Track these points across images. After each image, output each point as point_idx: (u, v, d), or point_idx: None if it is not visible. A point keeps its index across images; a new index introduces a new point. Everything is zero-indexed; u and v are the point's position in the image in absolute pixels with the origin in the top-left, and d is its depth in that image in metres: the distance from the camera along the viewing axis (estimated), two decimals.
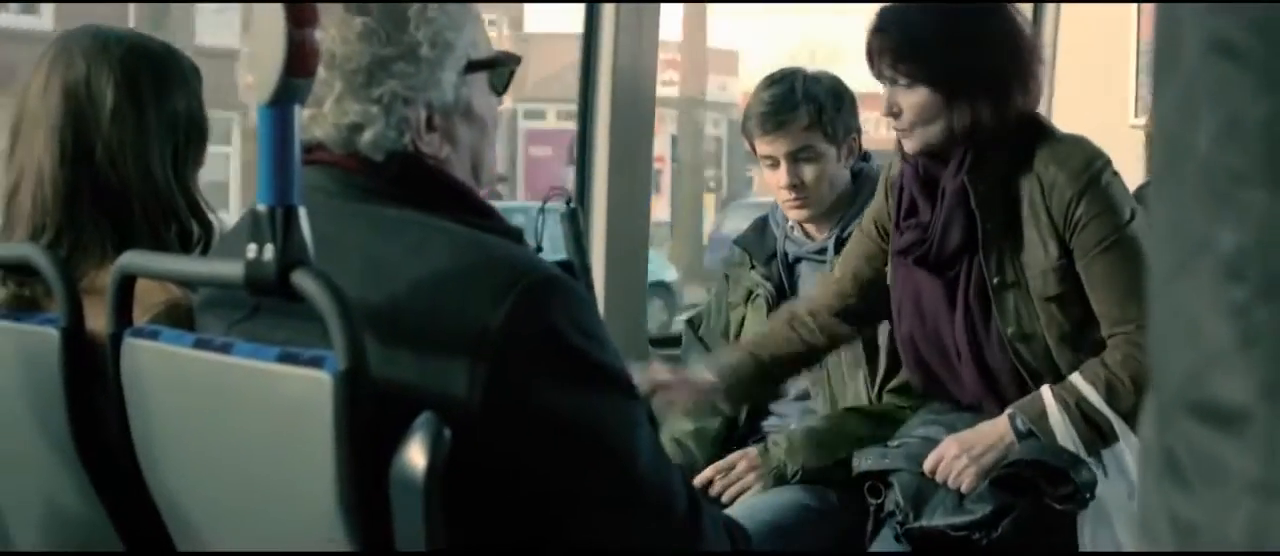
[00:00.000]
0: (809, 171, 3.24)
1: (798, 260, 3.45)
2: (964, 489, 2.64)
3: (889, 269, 2.95)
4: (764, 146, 3.29)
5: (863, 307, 3.05)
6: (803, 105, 3.26)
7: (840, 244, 3.22)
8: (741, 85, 29.10)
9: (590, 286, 2.51)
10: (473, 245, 1.65)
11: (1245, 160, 0.60)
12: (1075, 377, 2.64)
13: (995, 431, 2.67)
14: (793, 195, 3.26)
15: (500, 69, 1.87)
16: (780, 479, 3.09)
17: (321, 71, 1.68)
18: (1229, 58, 0.61)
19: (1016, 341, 2.72)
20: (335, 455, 1.44)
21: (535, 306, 1.58)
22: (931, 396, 2.95)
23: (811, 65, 3.50)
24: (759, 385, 3.17)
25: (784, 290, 3.45)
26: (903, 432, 2.90)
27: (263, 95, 1.45)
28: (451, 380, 1.53)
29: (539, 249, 2.40)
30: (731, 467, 3.13)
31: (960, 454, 2.66)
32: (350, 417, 1.44)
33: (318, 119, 1.72)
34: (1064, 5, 5.08)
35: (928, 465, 2.68)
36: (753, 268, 3.50)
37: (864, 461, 2.83)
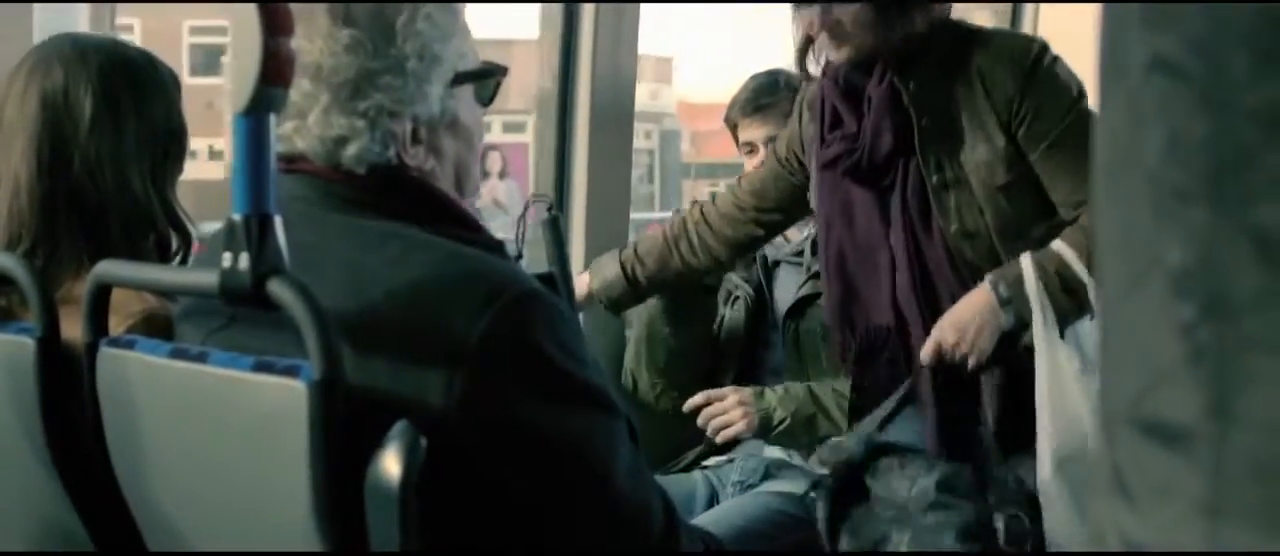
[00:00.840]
0: None
1: (776, 263, 3.48)
2: (969, 368, 2.64)
3: (813, 187, 2.95)
4: (746, 131, 3.40)
5: (756, 230, 3.16)
6: (784, 91, 3.37)
7: (816, 245, 3.23)
8: (675, 94, 28.60)
9: (572, 296, 2.50)
10: (453, 258, 1.64)
11: (1188, 178, 0.60)
12: (1056, 244, 2.62)
13: (981, 303, 2.64)
14: None
15: (486, 80, 1.87)
16: (766, 423, 3.13)
17: (307, 84, 1.68)
18: (1170, 75, 0.61)
19: (959, 239, 2.70)
20: (310, 464, 1.44)
21: (514, 321, 1.57)
22: (842, 317, 2.91)
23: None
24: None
25: (763, 291, 3.50)
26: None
27: (238, 103, 1.44)
28: (428, 392, 1.53)
29: (519, 256, 2.39)
30: (723, 399, 3.18)
31: (958, 340, 2.64)
32: (325, 426, 1.43)
33: (301, 131, 1.71)
34: (1043, 6, 5.09)
35: (925, 356, 2.66)
36: (732, 270, 3.55)
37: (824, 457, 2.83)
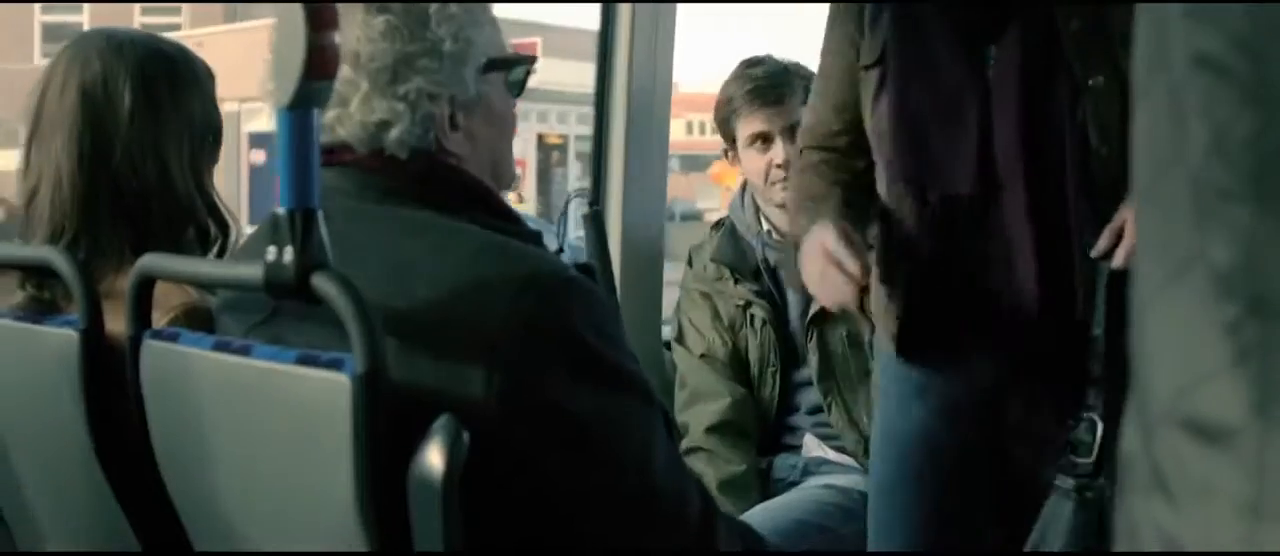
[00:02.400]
0: None
1: (778, 267, 3.34)
2: None
3: (870, 49, 2.49)
4: (758, 123, 3.23)
5: (856, 162, 2.60)
6: (795, 79, 3.23)
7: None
8: None
9: (613, 290, 2.49)
10: (491, 247, 1.65)
11: (1232, 176, 0.60)
12: None
13: None
14: (785, 173, 3.13)
15: (517, 69, 1.88)
16: None
17: (347, 71, 1.70)
18: (1213, 72, 0.60)
19: (1097, 95, 2.30)
20: (354, 457, 1.45)
21: (553, 308, 1.59)
22: (912, 187, 2.42)
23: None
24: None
25: (778, 303, 3.33)
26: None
27: (282, 98, 1.45)
28: (469, 382, 1.54)
29: (560, 251, 2.39)
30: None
31: None
32: (369, 420, 1.44)
33: (343, 119, 1.74)
34: None
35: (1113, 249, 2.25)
36: (737, 282, 3.35)
37: None
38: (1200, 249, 0.61)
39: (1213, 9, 0.61)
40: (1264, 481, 0.59)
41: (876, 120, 2.48)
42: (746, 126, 3.27)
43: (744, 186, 3.42)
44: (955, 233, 2.40)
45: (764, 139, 3.25)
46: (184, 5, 28.65)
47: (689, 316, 3.42)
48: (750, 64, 3.31)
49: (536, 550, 1.63)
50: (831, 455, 3.26)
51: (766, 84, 3.25)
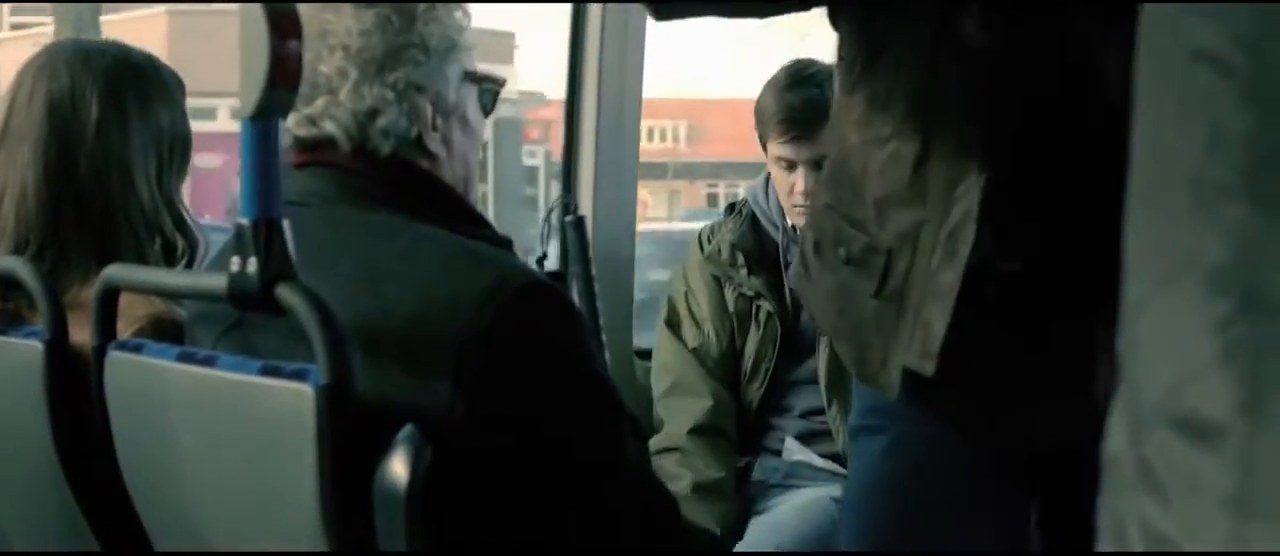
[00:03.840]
0: None
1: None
2: None
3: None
4: (784, 149, 3.13)
5: None
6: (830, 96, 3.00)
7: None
8: (518, 77, 25.36)
9: (593, 297, 2.49)
10: (461, 252, 1.66)
11: (1229, 173, 0.60)
12: None
13: None
14: (804, 202, 3.04)
15: (488, 86, 1.91)
16: None
17: (339, 61, 1.74)
18: (1213, 68, 0.60)
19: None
20: (318, 467, 1.44)
21: (521, 314, 1.59)
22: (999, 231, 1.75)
23: None
24: None
25: (789, 308, 3.19)
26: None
27: (246, 108, 1.45)
28: (436, 387, 1.54)
29: (543, 257, 2.39)
30: None
31: None
32: (333, 431, 1.44)
33: (332, 108, 1.75)
34: None
35: None
36: (751, 272, 3.21)
37: None
38: (1196, 245, 0.61)
39: (1216, 5, 0.61)
40: (1251, 478, 0.59)
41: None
42: (774, 146, 3.16)
43: (768, 177, 3.28)
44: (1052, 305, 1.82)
45: (789, 164, 3.15)
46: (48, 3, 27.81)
47: (689, 305, 3.29)
48: (791, 82, 3.17)
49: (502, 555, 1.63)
50: (817, 460, 3.20)
51: (799, 115, 3.10)
